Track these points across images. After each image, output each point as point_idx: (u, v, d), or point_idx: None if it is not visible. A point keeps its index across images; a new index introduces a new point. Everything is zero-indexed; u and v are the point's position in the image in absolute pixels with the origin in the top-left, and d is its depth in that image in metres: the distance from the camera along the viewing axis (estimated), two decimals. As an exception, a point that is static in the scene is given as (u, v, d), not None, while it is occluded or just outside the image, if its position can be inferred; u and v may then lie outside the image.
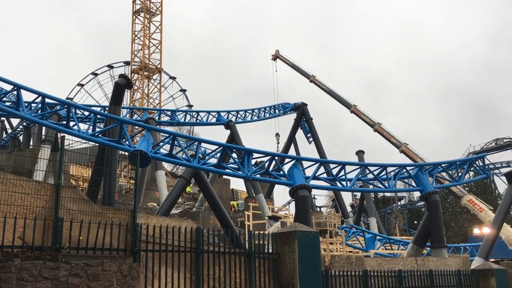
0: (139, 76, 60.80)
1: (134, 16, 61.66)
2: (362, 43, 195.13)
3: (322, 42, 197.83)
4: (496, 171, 71.84)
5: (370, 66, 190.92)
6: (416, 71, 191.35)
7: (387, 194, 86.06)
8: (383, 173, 22.42)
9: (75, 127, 18.42)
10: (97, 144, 19.19)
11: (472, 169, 25.72)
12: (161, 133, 30.21)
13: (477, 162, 25.81)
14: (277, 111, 47.87)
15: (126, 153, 22.29)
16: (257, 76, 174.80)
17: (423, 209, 59.08)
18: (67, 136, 17.40)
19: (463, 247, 35.37)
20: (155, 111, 42.71)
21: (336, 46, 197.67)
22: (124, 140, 18.47)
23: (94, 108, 36.49)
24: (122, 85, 21.59)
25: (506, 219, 26.75)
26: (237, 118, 42.13)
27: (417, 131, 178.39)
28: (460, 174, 24.59)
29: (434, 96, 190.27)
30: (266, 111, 46.72)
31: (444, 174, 25.80)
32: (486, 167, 27.12)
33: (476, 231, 44.47)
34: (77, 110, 23.90)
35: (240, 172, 19.70)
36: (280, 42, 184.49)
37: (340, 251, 28.55)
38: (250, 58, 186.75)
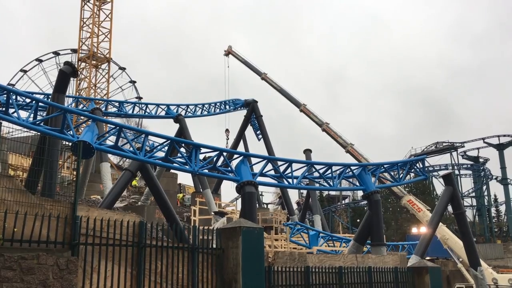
0: (87, 65, 58.90)
1: (83, 2, 59.62)
2: (323, 34, 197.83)
3: (284, 30, 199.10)
4: (435, 173, 75.23)
5: (330, 58, 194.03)
6: (374, 66, 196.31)
7: (332, 193, 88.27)
8: (329, 171, 22.89)
9: (15, 114, 17.55)
10: (39, 133, 18.44)
11: (412, 170, 26.72)
12: (107, 124, 29.43)
13: (417, 164, 26.83)
14: (227, 106, 47.82)
15: (70, 143, 21.53)
16: (215, 64, 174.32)
17: (366, 208, 60.96)
18: (7, 124, 16.58)
19: (401, 245, 36.80)
20: (102, 102, 41.49)
21: (298, 34, 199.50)
22: (67, 130, 17.83)
23: (37, 96, 35.00)
24: (67, 73, 20.86)
25: (442, 219, 28.05)
26: (187, 112, 41.71)
27: (369, 128, 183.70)
28: (401, 175, 25.50)
29: (390, 93, 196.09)
30: (217, 106, 46.55)
31: (386, 174, 26.66)
32: (426, 169, 28.23)
33: (414, 230, 46.38)
34: (17, 97, 22.83)
35: (187, 167, 19.52)
36: (241, 28, 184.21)
37: (284, 248, 28.95)
38: (208, 45, 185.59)
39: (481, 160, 79.88)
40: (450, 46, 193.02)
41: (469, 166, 79.92)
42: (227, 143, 48.93)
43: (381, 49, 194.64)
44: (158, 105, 40.24)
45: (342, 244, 32.51)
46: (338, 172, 23.26)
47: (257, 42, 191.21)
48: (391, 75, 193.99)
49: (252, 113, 47.87)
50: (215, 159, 20.20)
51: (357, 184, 23.83)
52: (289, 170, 21.68)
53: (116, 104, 40.15)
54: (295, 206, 53.57)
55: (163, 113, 40.07)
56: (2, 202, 8.77)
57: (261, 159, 21.76)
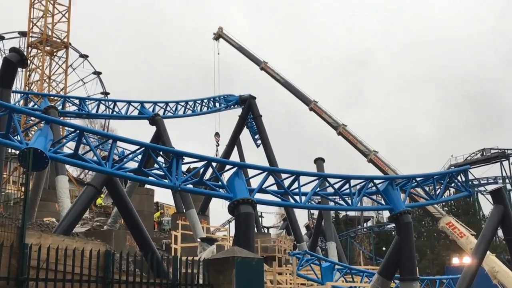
0: (39, 51, 59.06)
1: (34, -27, 59.88)
2: (340, 9, 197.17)
3: (291, 6, 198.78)
4: (481, 188, 75.24)
5: (350, 41, 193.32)
6: (406, 51, 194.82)
7: (351, 214, 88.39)
8: (346, 186, 22.84)
9: None
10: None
11: (452, 185, 26.69)
12: (65, 127, 29.47)
13: (458, 177, 26.80)
14: (217, 104, 47.73)
15: (17, 152, 21.54)
16: (204, 51, 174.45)
17: (393, 233, 60.85)
18: None
19: (439, 280, 36.76)
20: (58, 98, 41.58)
21: (308, 11, 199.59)
22: (14, 134, 17.85)
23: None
24: (14, 62, 20.96)
25: (490, 246, 28.02)
26: (166, 112, 41.67)
27: (399, 130, 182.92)
28: (438, 190, 25.46)
29: (425, 85, 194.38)
30: (204, 104, 46.40)
31: (419, 190, 26.63)
32: (470, 183, 28.28)
33: (455, 260, 46.43)
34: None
35: (166, 181, 19.48)
36: (237, 6, 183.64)
37: (290, 283, 28.93)
38: (195, 28, 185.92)
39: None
40: (508, 25, 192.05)
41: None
42: (217, 150, 48.96)
43: (416, 29, 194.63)
44: (129, 102, 40.22)
45: (364, 278, 32.49)
46: (358, 187, 23.24)
47: (257, 22, 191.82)
48: (428, 63, 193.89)
49: (249, 112, 47.81)
50: (201, 171, 20.19)
51: (382, 202, 23.82)
52: (296, 185, 21.65)
53: (76, 101, 40.09)
54: (303, 231, 53.60)
55: (135, 113, 40.05)
56: None
57: (260, 171, 21.73)
